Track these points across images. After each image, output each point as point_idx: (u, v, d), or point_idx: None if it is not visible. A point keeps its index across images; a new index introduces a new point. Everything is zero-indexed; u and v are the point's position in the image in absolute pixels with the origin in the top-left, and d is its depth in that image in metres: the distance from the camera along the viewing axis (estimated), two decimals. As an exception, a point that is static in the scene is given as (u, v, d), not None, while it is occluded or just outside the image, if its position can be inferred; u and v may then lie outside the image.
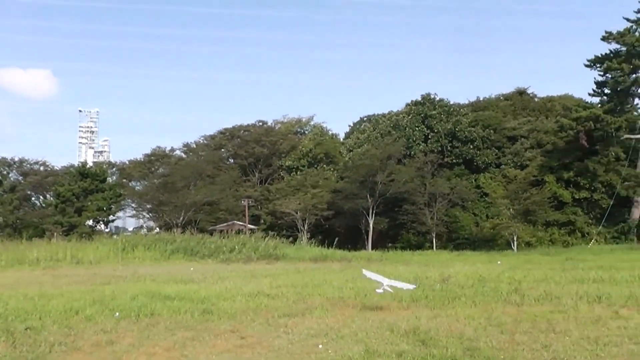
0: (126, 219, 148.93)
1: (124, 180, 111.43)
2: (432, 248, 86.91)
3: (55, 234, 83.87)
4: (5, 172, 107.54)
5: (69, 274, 40.70)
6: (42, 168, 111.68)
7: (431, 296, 23.59)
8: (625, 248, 72.06)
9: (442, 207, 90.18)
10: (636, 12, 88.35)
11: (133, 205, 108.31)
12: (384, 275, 23.83)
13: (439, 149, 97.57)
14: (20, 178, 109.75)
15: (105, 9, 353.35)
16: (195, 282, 31.81)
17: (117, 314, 20.16)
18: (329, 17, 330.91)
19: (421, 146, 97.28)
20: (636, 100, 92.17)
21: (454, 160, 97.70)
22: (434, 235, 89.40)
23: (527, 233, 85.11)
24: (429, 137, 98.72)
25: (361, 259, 59.56)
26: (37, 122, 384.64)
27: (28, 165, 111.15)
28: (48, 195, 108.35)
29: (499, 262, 51.00)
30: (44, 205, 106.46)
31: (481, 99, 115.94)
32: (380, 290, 22.40)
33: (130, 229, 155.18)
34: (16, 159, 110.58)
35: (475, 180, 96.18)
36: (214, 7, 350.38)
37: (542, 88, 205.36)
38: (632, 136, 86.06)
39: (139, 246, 61.11)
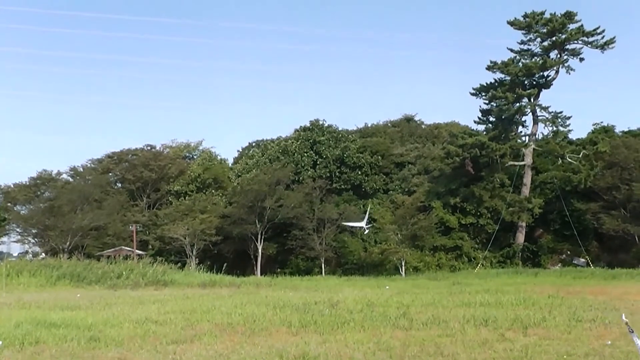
0: (11, 244, 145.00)
1: (9, 204, 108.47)
2: (321, 273, 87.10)
3: None
4: None
5: (-53, 302, 39.49)
6: None
7: (320, 321, 23.60)
8: (510, 272, 73.88)
9: (330, 233, 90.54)
10: (519, 44, 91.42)
11: (18, 230, 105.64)
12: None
13: (328, 174, 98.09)
14: None
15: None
16: (82, 309, 31.31)
17: (0, 342, 19.57)
18: (217, 41, 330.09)
19: (310, 172, 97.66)
20: (520, 128, 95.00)
21: (343, 186, 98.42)
22: (323, 260, 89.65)
23: (415, 258, 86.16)
24: (318, 162, 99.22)
25: (250, 285, 59.69)
26: None
27: None
28: None
29: (387, 287, 51.60)
30: None
31: (369, 125, 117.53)
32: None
33: (15, 254, 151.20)
34: None
35: (363, 205, 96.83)
36: (99, 29, 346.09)
37: (429, 115, 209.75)
38: (516, 163, 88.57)
39: (24, 272, 60.03)
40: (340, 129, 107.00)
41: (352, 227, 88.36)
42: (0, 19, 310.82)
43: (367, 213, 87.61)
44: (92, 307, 32.67)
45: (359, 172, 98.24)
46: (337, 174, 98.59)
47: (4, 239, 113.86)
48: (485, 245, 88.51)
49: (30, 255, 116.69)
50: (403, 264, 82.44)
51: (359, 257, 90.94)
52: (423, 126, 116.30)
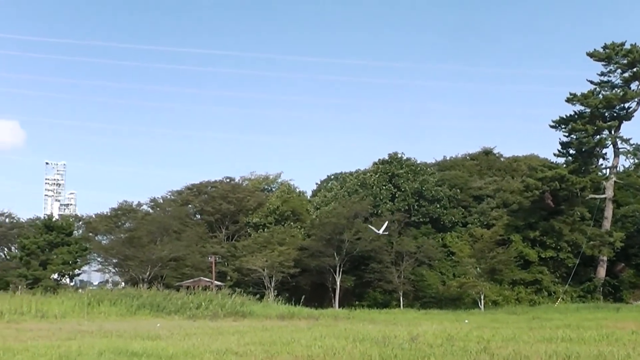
0: (91, 273, 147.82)
1: (90, 234, 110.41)
2: (399, 306, 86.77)
3: (19, 287, 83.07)
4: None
5: (33, 328, 40.25)
6: (7, 220, 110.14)
7: (400, 355, 23.53)
8: (591, 307, 72.28)
9: (408, 266, 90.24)
10: (599, 75, 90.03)
11: (99, 259, 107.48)
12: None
13: (406, 207, 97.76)
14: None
15: (75, 62, 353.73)
16: (162, 339, 31.53)
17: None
18: (296, 74, 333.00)
19: (388, 205, 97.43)
20: (600, 161, 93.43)
21: (421, 219, 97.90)
22: (401, 293, 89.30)
23: (494, 292, 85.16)
24: (396, 195, 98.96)
25: (328, 317, 59.37)
26: (3, 173, 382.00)
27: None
28: (13, 248, 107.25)
29: (466, 321, 51.04)
30: (8, 257, 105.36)
31: (447, 158, 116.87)
32: None
33: (96, 283, 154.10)
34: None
35: (441, 239, 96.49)
36: (184, 64, 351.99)
37: (508, 148, 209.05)
38: (596, 196, 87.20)
39: (104, 301, 60.55)
40: (418, 162, 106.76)
41: (373, 230, 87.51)
42: (82, 52, 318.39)
43: (387, 223, 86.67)
44: (172, 337, 32.93)
45: (438, 206, 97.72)
46: (416, 207, 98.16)
47: (85, 268, 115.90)
48: (565, 279, 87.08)
49: (111, 285, 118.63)
50: (482, 297, 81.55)
51: (437, 291, 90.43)
52: (502, 159, 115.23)
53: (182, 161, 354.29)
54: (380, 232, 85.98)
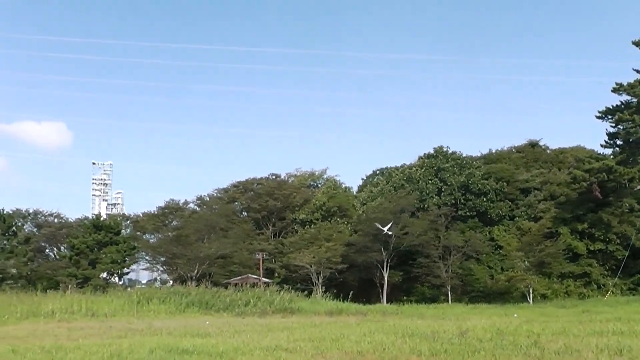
0: (140, 272, 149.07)
1: (138, 232, 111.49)
2: (447, 301, 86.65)
3: (69, 286, 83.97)
4: (19, 224, 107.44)
5: (84, 326, 40.67)
6: (56, 220, 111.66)
7: (450, 350, 23.53)
8: (641, 300, 71.56)
9: (456, 260, 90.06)
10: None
11: (147, 258, 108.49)
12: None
13: (452, 201, 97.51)
14: (35, 230, 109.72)
15: (119, 63, 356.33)
16: (211, 336, 31.72)
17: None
18: (342, 69, 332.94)
19: (434, 199, 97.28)
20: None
21: (468, 213, 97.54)
22: (449, 288, 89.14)
23: (542, 285, 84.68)
24: (442, 190, 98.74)
25: (376, 313, 59.36)
26: (51, 174, 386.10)
27: (42, 217, 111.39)
28: (62, 247, 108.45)
29: (515, 315, 50.89)
30: (58, 257, 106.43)
31: (493, 151, 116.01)
32: None
33: (144, 281, 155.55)
34: (31, 211, 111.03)
35: (489, 232, 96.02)
36: (228, 62, 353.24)
37: (554, 140, 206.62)
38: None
39: (153, 299, 60.85)
40: (464, 155, 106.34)
41: (379, 227, 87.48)
42: (128, 53, 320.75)
43: (391, 223, 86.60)
44: (222, 334, 33.07)
45: (484, 199, 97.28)
46: (462, 201, 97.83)
47: (134, 266, 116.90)
48: (614, 272, 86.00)
49: (159, 283, 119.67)
50: (530, 291, 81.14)
51: (484, 285, 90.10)
52: (548, 151, 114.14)
53: (228, 159, 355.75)
54: (385, 229, 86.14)
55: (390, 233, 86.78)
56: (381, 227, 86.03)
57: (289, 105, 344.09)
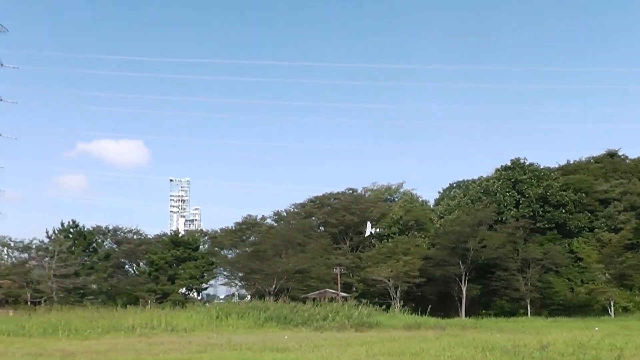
0: (218, 287, 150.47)
1: (216, 248, 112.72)
2: (526, 314, 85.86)
3: (149, 301, 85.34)
4: (100, 241, 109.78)
5: (164, 341, 41.31)
6: (135, 236, 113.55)
7: (531, 364, 23.54)
8: None
9: (535, 273, 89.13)
10: None
11: (225, 273, 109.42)
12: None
13: (531, 214, 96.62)
14: (115, 246, 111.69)
15: (196, 80, 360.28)
16: (290, 351, 32.04)
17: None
18: (416, 83, 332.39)
19: (512, 211, 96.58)
20: None
21: (546, 225, 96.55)
22: (528, 301, 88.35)
23: (624, 298, 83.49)
24: (520, 202, 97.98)
25: (455, 326, 59.20)
26: (130, 191, 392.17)
27: (122, 234, 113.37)
28: (141, 263, 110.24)
29: (596, 328, 50.42)
30: (137, 273, 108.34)
31: (571, 162, 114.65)
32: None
33: (222, 296, 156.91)
34: (110, 228, 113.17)
35: (568, 245, 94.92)
36: (304, 78, 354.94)
37: (633, 149, 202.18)
38: None
39: (232, 314, 61.31)
40: (541, 167, 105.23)
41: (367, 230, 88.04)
42: (202, 70, 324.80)
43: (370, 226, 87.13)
44: (301, 349, 33.35)
45: (563, 211, 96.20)
46: (540, 213, 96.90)
47: (212, 282, 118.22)
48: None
49: (237, 298, 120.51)
50: (611, 304, 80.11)
51: (564, 298, 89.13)
52: (627, 161, 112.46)
53: (304, 174, 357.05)
54: (367, 234, 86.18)
55: (373, 232, 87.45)
56: (369, 229, 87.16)
57: (365, 119, 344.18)
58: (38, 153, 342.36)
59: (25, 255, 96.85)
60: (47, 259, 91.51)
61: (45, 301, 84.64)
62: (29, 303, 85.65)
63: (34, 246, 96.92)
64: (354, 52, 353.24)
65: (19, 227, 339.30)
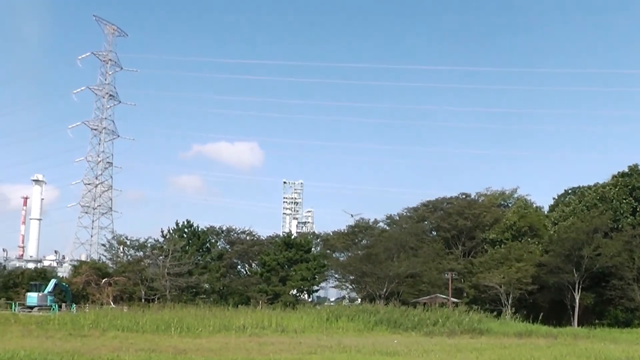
0: (328, 289, 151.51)
1: (328, 251, 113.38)
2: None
3: (260, 302, 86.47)
4: (213, 241, 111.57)
5: (274, 341, 41.98)
6: (248, 237, 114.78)
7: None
8: None
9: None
10: None
11: (336, 275, 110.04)
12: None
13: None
14: (227, 246, 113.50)
15: (310, 83, 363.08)
16: (400, 355, 32.25)
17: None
18: (534, 88, 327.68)
19: (629, 219, 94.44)
20: None
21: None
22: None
23: None
24: (637, 209, 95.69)
25: (567, 335, 58.40)
26: (244, 192, 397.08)
27: (235, 235, 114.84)
28: (253, 264, 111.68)
29: None
30: (249, 273, 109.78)
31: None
32: None
33: (332, 299, 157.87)
34: (224, 228, 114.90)
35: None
36: (416, 81, 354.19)
37: None
38: None
39: (342, 317, 61.87)
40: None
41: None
42: (317, 73, 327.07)
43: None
44: (410, 353, 33.51)
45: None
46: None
47: (323, 284, 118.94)
48: None
49: (347, 301, 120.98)
50: None
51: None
52: None
53: (417, 178, 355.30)
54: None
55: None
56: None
57: (480, 122, 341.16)
58: (155, 154, 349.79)
59: (141, 253, 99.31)
60: (161, 257, 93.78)
61: (158, 299, 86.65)
62: (143, 300, 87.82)
63: (149, 245, 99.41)
64: (468, 54, 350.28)
65: (135, 225, 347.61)
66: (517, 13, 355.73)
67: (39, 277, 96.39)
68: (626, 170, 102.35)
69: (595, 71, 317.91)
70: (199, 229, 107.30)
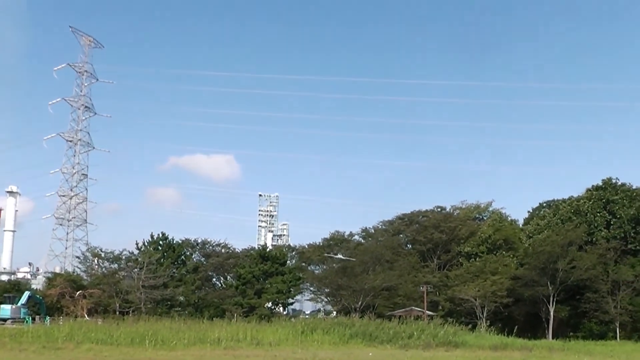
0: (304, 302, 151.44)
1: (303, 264, 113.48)
2: (616, 338, 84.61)
3: (235, 314, 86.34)
4: (189, 253, 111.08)
5: (249, 354, 42.04)
6: (223, 250, 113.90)
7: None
8: None
9: (626, 296, 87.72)
10: None
11: (311, 288, 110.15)
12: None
13: (622, 235, 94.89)
14: (203, 259, 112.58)
15: (284, 96, 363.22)
16: (375, 368, 32.31)
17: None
18: (507, 102, 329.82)
19: (603, 232, 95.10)
20: None
21: (638, 247, 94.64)
22: (618, 324, 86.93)
23: None
24: (612, 223, 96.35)
25: (542, 348, 58.74)
26: (220, 205, 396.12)
27: (210, 247, 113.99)
28: (229, 277, 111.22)
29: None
30: (224, 286, 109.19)
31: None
32: None
33: (308, 312, 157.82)
34: (199, 241, 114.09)
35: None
36: (389, 94, 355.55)
37: None
38: None
39: (317, 329, 61.80)
40: (634, 187, 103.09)
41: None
42: (290, 87, 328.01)
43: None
44: (386, 366, 33.64)
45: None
46: (632, 234, 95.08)
47: (298, 297, 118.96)
48: None
49: (323, 313, 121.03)
50: None
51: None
52: None
53: (392, 192, 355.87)
54: None
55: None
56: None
57: (454, 137, 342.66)
58: (131, 166, 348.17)
59: (116, 265, 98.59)
60: (136, 270, 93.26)
61: (133, 311, 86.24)
62: (117, 313, 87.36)
63: (124, 257, 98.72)
64: (447, 69, 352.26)
65: (110, 238, 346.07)
66: (492, 30, 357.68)
67: (12, 289, 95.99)
68: (600, 184, 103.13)
69: (570, 86, 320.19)
70: (174, 242, 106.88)
